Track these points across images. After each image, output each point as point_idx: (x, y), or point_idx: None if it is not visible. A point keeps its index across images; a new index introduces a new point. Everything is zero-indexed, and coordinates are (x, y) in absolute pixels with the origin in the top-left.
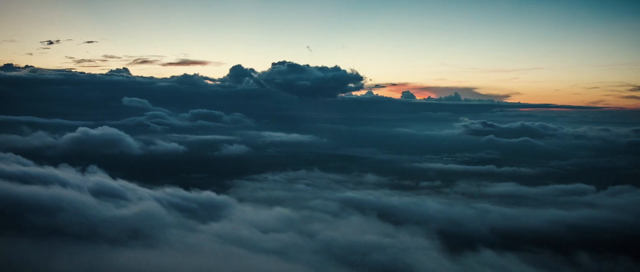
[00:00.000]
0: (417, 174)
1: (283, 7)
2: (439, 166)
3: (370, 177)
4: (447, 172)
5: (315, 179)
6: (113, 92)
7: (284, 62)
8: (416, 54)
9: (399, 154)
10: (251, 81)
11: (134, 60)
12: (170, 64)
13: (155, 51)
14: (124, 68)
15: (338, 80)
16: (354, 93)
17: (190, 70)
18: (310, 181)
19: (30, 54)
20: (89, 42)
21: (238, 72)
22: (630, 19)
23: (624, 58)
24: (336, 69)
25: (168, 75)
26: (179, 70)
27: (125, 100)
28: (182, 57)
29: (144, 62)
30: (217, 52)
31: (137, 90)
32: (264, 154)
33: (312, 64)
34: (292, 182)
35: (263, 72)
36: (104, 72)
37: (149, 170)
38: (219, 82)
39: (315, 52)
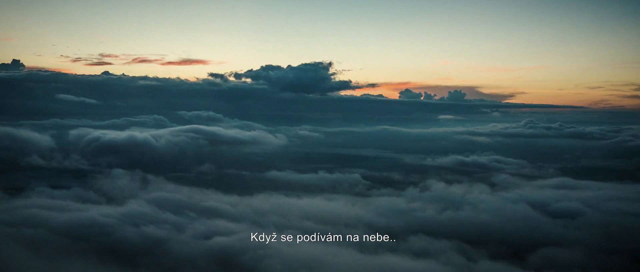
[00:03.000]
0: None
1: (284, 4)
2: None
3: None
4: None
5: None
6: (98, 93)
7: (267, 67)
8: (417, 52)
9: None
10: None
11: (133, 59)
12: (171, 63)
13: (157, 50)
14: (109, 72)
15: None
16: (343, 92)
17: (192, 69)
18: None
19: (26, 53)
20: (87, 41)
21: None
22: (635, 18)
23: (629, 57)
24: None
25: (169, 75)
26: (181, 70)
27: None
28: (184, 56)
29: (144, 61)
30: (219, 51)
31: (117, 91)
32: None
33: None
34: None
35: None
36: (97, 72)
37: None
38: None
39: (314, 51)
